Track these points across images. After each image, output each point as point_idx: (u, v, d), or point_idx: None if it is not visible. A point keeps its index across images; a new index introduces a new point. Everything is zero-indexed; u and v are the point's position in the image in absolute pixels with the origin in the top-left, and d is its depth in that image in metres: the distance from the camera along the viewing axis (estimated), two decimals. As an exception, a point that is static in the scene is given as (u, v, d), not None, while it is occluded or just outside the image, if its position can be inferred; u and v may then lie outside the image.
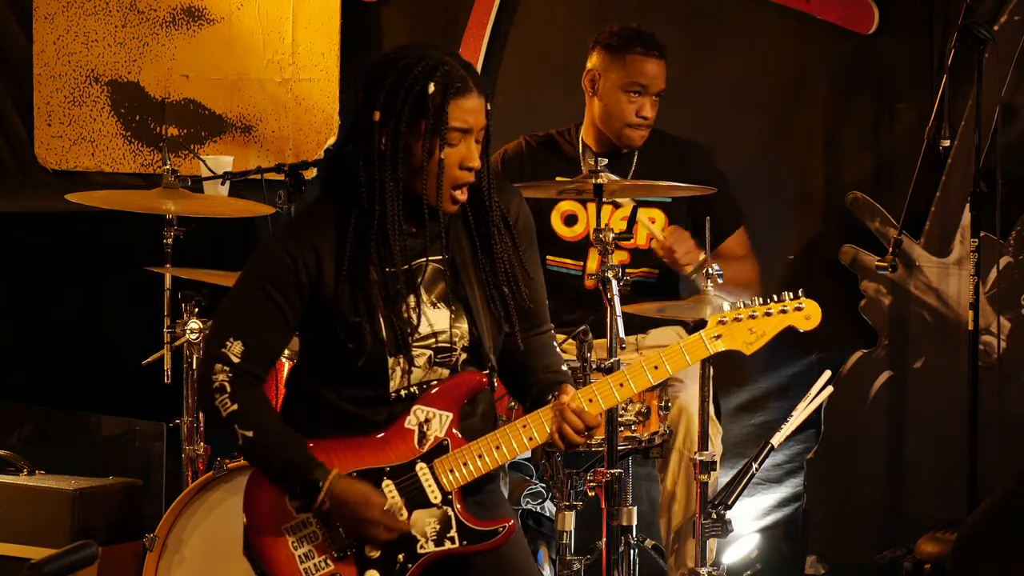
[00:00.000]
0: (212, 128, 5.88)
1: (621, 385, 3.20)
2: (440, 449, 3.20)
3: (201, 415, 4.60)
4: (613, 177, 4.16)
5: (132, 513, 4.96)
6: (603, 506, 4.03)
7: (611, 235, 3.95)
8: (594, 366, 3.95)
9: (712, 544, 4.26)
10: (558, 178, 4.66)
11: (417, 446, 3.20)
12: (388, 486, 3.19)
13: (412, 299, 3.19)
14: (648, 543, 4.54)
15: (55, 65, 6.00)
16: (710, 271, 4.11)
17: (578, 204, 4.76)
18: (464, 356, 3.23)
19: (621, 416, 4.08)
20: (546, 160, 4.79)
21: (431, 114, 3.10)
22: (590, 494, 4.09)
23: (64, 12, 5.98)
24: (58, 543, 4.40)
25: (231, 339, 3.18)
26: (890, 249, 4.90)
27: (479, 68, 5.63)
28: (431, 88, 3.09)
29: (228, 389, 3.17)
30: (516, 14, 5.65)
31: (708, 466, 4.13)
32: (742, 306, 3.27)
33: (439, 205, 3.15)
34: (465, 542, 3.20)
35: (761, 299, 3.28)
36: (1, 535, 4.83)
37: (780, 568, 5.35)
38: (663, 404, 4.26)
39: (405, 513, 3.19)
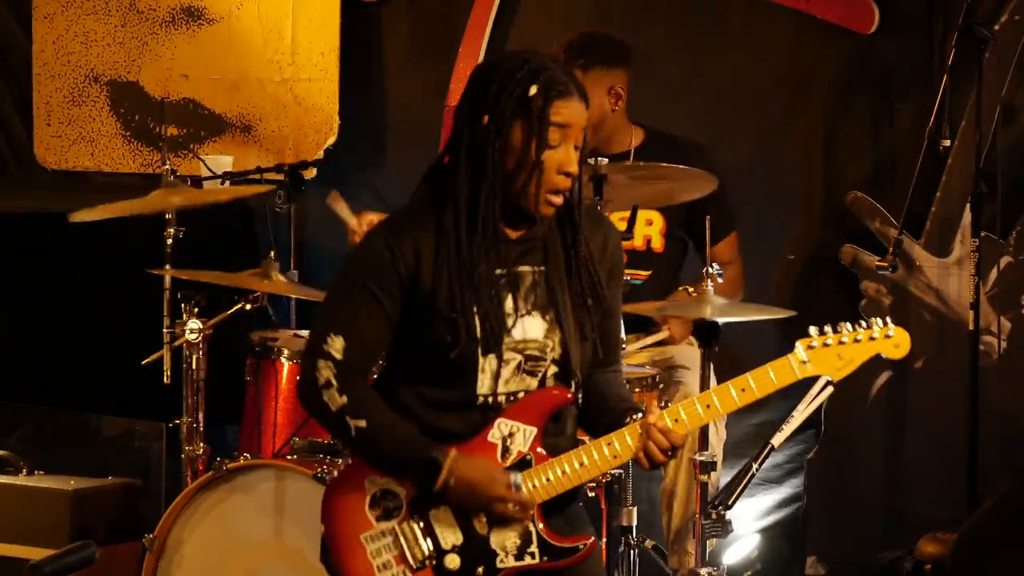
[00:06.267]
0: (212, 128, 5.89)
1: (708, 406, 3.19)
2: (523, 463, 3.17)
3: (201, 415, 4.60)
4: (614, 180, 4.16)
5: (132, 513, 4.96)
6: (603, 506, 4.03)
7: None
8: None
9: (712, 544, 4.26)
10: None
11: (500, 459, 3.17)
12: None
13: (509, 303, 3.18)
14: (648, 543, 4.53)
15: (55, 65, 6.00)
16: (710, 270, 4.11)
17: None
18: (554, 369, 3.21)
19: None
20: None
21: (532, 116, 3.10)
22: (590, 494, 4.08)
23: (64, 12, 5.98)
24: (58, 543, 4.40)
25: (332, 335, 3.16)
26: (890, 249, 4.90)
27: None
28: (533, 90, 3.10)
29: (335, 383, 3.15)
30: (516, 14, 5.65)
31: (708, 466, 4.13)
32: (830, 331, 3.24)
33: (536, 208, 3.15)
34: (545, 558, 3.17)
35: (851, 325, 3.25)
36: (1, 535, 4.83)
37: (780, 568, 5.35)
38: (663, 404, 4.26)
39: (528, 490, 3.15)
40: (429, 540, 3.18)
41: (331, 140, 5.77)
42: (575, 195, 3.21)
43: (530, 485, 3.16)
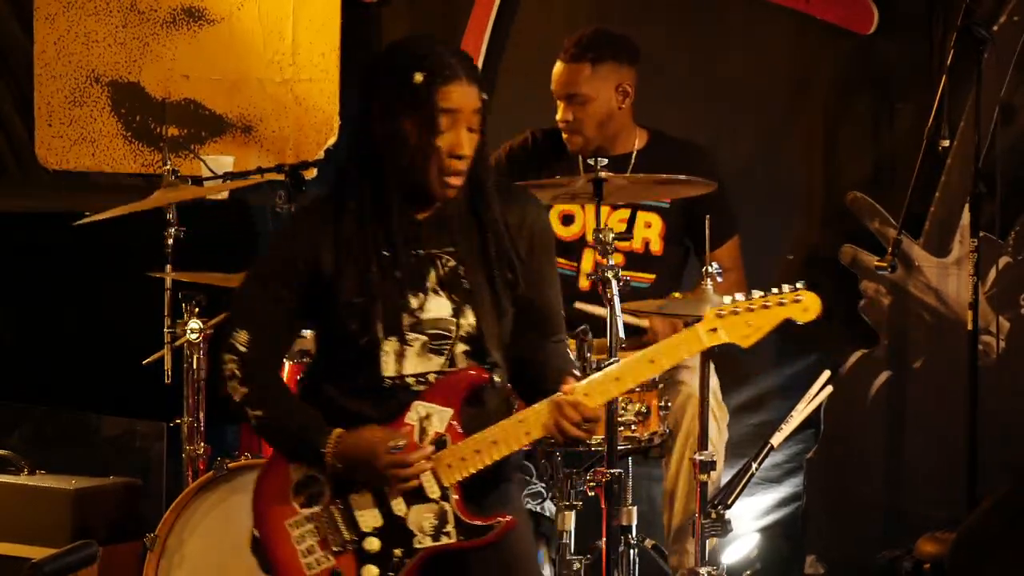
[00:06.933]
0: (212, 128, 5.89)
1: (617, 379, 3.20)
2: (439, 444, 3.22)
3: (201, 415, 4.61)
4: (614, 180, 4.16)
5: (132, 513, 4.97)
6: (603, 506, 4.03)
7: (611, 235, 3.95)
8: (594, 365, 3.95)
9: (712, 544, 4.26)
10: (557, 177, 4.67)
11: (417, 441, 3.22)
12: None
13: (414, 284, 3.24)
14: (648, 543, 4.54)
15: (56, 65, 6.00)
16: (710, 269, 4.11)
17: (575, 204, 4.76)
18: (463, 347, 3.25)
19: (621, 416, 4.08)
20: (551, 154, 4.80)
21: (418, 102, 3.17)
22: (590, 494, 4.09)
23: (65, 12, 5.98)
24: (58, 543, 4.41)
25: (237, 329, 3.29)
26: (889, 249, 4.90)
27: (479, 68, 5.64)
28: (418, 77, 3.17)
29: (238, 375, 3.26)
30: (516, 14, 5.66)
31: (708, 466, 4.13)
32: (741, 298, 3.24)
33: (435, 191, 3.22)
34: (461, 537, 3.22)
35: (761, 292, 3.26)
36: (1, 535, 4.83)
37: (779, 567, 5.36)
38: (663, 404, 4.26)
39: (427, 445, 3.20)
40: (350, 524, 3.24)
41: (331, 140, 5.77)
42: (484, 182, 3.27)
43: (445, 465, 3.20)
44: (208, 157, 5.31)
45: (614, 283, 3.87)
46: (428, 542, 3.22)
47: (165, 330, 4.72)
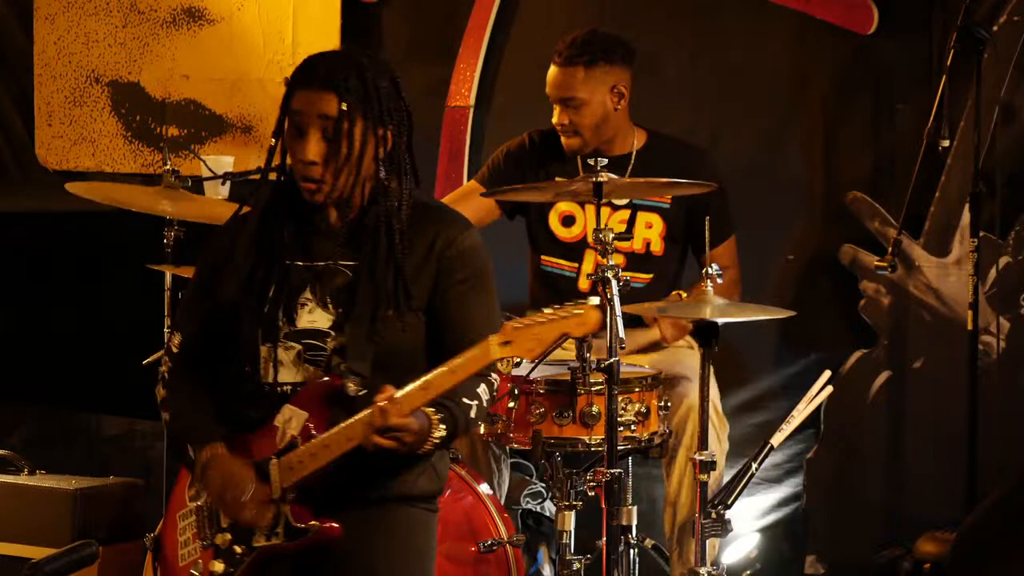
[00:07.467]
0: (212, 128, 5.89)
1: (424, 388, 3.21)
2: (290, 447, 3.28)
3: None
4: (614, 177, 4.16)
5: (132, 513, 4.97)
6: (603, 506, 4.03)
7: (611, 235, 3.95)
8: (593, 365, 3.95)
9: (713, 544, 4.26)
10: (557, 179, 4.67)
11: (278, 443, 3.29)
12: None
13: (307, 294, 3.31)
14: (648, 543, 4.54)
15: (56, 65, 6.00)
16: (710, 271, 4.11)
17: (576, 205, 4.76)
18: (337, 359, 3.30)
19: (621, 416, 4.08)
20: (549, 155, 4.80)
21: (282, 105, 3.31)
22: (590, 494, 4.08)
23: (65, 12, 5.98)
24: (58, 543, 4.39)
25: (174, 332, 3.45)
26: (889, 249, 4.90)
27: (478, 68, 5.65)
28: (288, 79, 3.33)
29: (165, 378, 3.41)
30: (516, 14, 5.66)
31: (708, 466, 4.13)
32: (545, 312, 3.21)
33: (304, 198, 3.30)
34: (287, 538, 3.28)
35: (558, 306, 3.24)
36: (1, 535, 4.84)
37: (780, 568, 5.36)
38: (663, 404, 4.26)
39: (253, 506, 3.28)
40: (213, 519, 3.35)
41: (331, 140, 5.76)
42: (390, 185, 3.30)
43: (287, 467, 3.26)
44: (208, 157, 5.31)
45: (614, 283, 3.87)
46: (263, 540, 3.28)
47: (165, 330, 4.71)
